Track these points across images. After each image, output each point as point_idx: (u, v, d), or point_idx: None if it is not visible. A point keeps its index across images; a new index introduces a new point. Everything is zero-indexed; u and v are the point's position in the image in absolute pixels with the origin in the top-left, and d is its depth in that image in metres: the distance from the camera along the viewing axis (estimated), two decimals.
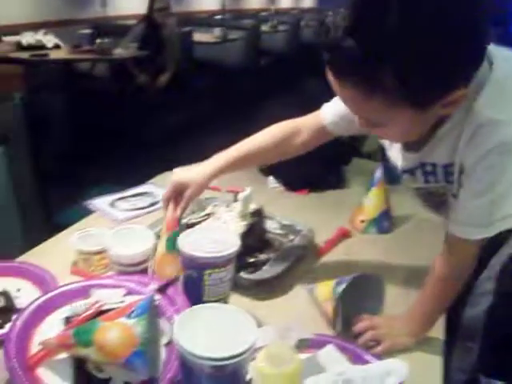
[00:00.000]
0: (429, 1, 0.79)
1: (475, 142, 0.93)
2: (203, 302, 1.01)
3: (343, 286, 1.08)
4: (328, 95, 1.91)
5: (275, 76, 7.38)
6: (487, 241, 1.05)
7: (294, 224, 1.48)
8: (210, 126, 4.36)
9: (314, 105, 1.90)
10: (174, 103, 4.90)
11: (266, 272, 1.26)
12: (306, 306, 1.20)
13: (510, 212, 0.98)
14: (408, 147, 1.11)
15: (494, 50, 0.96)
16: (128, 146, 4.06)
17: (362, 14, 0.82)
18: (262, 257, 1.34)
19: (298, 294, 1.26)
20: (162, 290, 1.03)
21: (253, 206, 1.37)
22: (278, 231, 1.47)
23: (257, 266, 1.30)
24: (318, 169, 1.81)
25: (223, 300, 1.06)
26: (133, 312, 0.86)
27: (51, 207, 2.57)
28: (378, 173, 1.56)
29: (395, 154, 1.19)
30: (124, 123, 4.37)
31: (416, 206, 1.69)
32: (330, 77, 0.90)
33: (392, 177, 1.80)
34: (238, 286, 1.20)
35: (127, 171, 3.02)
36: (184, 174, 1.28)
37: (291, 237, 1.43)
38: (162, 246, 1.17)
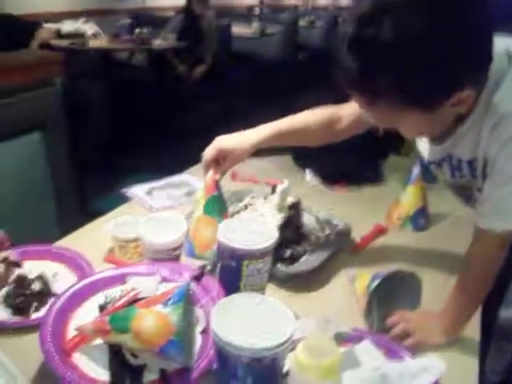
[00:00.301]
0: (422, 11, 0.83)
1: (496, 133, 0.96)
2: (240, 292, 1.01)
3: (377, 281, 1.07)
4: None
5: (312, 71, 7.32)
6: None
7: (330, 218, 1.45)
8: (246, 118, 4.32)
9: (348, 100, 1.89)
10: (210, 94, 4.90)
11: (303, 265, 1.25)
12: (343, 299, 1.18)
13: None
14: (433, 139, 1.14)
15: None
16: (165, 135, 4.08)
17: (357, 30, 0.88)
18: (299, 250, 1.32)
19: (334, 288, 1.24)
20: (196, 278, 1.03)
21: (290, 199, 1.36)
22: (315, 225, 1.44)
23: (293, 259, 1.28)
24: (355, 163, 1.79)
25: (260, 291, 1.05)
26: (169, 300, 0.85)
27: (87, 194, 2.60)
28: (416, 170, 1.53)
29: (423, 145, 1.21)
30: (161, 113, 4.39)
31: (453, 204, 1.66)
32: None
33: (429, 175, 1.77)
34: (274, 278, 1.20)
35: (164, 160, 3.04)
36: (227, 139, 1.28)
37: (328, 231, 1.41)
38: (199, 210, 1.18)
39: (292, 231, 1.34)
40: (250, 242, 0.99)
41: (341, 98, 1.92)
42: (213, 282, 1.03)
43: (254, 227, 1.05)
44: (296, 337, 0.78)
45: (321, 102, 1.89)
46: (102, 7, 6.22)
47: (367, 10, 0.87)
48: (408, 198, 1.54)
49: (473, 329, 1.11)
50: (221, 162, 1.26)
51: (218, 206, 1.20)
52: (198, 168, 1.83)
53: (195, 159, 1.89)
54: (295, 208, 1.37)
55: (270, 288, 1.16)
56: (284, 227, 1.29)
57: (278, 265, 1.24)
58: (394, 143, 2.05)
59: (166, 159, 3.11)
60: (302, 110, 1.94)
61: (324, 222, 1.45)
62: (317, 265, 1.25)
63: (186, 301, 0.87)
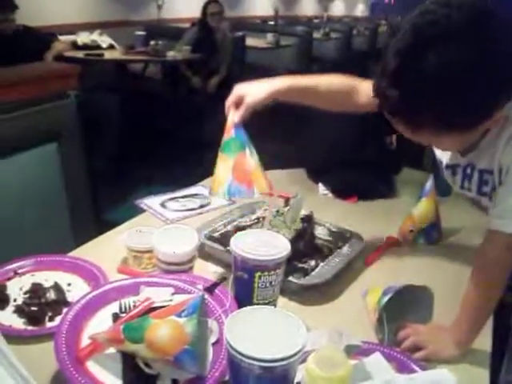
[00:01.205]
0: (463, 42, 0.87)
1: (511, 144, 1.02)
2: (252, 304, 1.02)
3: (388, 297, 1.07)
4: None
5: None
6: None
7: (343, 231, 1.46)
8: (260, 130, 4.34)
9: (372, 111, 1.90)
10: (224, 106, 4.92)
11: (315, 278, 1.25)
12: (355, 312, 1.19)
13: None
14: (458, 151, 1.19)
15: None
16: (179, 147, 4.10)
17: (400, 64, 0.91)
18: (311, 262, 1.33)
19: (346, 301, 1.24)
20: (209, 289, 1.04)
21: (303, 212, 1.37)
22: (328, 238, 1.46)
23: (306, 272, 1.29)
24: (367, 177, 1.79)
25: (272, 303, 1.06)
26: (184, 311, 0.86)
27: (101, 205, 2.62)
28: (429, 183, 1.54)
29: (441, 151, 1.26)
30: (175, 124, 4.41)
31: (465, 218, 1.67)
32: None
33: (443, 189, 1.78)
34: (287, 291, 1.21)
35: (178, 172, 3.06)
36: (246, 86, 1.32)
37: (340, 244, 1.42)
38: (219, 150, 1.24)
39: (304, 244, 1.36)
40: (263, 253, 1.00)
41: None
42: (225, 294, 1.04)
43: (267, 239, 1.06)
44: (307, 348, 0.78)
45: (334, 114, 1.91)
46: (117, 19, 6.30)
47: (410, 43, 0.91)
48: (421, 212, 1.54)
49: (484, 339, 1.10)
50: (239, 105, 1.29)
51: (234, 146, 1.23)
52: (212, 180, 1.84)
53: (209, 171, 1.91)
54: (308, 221, 1.38)
55: (282, 300, 1.17)
56: (296, 240, 1.30)
57: (291, 277, 1.24)
58: (407, 157, 2.06)
59: (179, 171, 3.13)
60: (314, 122, 1.96)
61: (337, 234, 1.46)
62: (329, 277, 1.25)
63: (200, 312, 0.88)
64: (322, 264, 1.31)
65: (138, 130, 4.19)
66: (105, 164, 3.34)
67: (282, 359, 0.73)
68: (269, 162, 1.96)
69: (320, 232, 1.46)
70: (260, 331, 0.80)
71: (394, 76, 0.92)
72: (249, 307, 0.84)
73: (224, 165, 1.21)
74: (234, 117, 1.27)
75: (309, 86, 1.38)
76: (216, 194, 1.21)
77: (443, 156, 1.26)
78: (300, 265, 1.31)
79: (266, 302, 1.05)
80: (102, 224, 1.82)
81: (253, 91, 1.30)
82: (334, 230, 1.47)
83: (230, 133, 1.25)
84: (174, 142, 4.16)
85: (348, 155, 1.78)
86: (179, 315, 0.85)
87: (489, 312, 1.11)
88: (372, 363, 0.97)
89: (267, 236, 1.08)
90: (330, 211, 1.67)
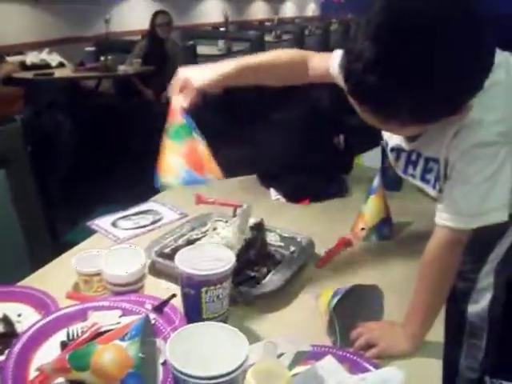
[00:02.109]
0: (435, 37, 0.85)
1: (459, 138, 1.02)
2: (202, 320, 1.02)
3: (337, 298, 1.08)
4: (330, 102, 1.93)
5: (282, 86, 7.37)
6: (484, 238, 1.07)
7: (294, 236, 1.47)
8: (217, 139, 4.33)
9: (318, 113, 1.92)
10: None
11: (267, 286, 1.26)
12: (309, 316, 1.19)
13: (491, 207, 1.01)
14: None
15: None
16: (136, 162, 4.06)
17: (385, 50, 0.87)
18: (264, 270, 1.33)
19: (300, 306, 1.25)
20: (158, 309, 1.03)
21: (252, 220, 1.37)
22: (279, 243, 1.46)
23: (258, 280, 1.29)
24: (318, 179, 1.81)
25: (222, 316, 1.06)
26: (127, 334, 0.85)
27: (60, 227, 2.58)
28: (376, 180, 1.56)
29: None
30: (131, 139, 4.38)
31: (416, 213, 1.69)
32: (351, 99, 0.97)
33: (392, 183, 1.81)
34: (241, 301, 1.21)
35: (136, 188, 3.02)
36: (191, 69, 1.32)
37: (292, 248, 1.43)
38: (165, 136, 1.20)
39: (256, 252, 1.36)
40: (207, 268, 1.00)
41: (309, 110, 1.96)
42: (175, 312, 1.04)
43: (211, 253, 1.06)
44: (250, 362, 0.78)
45: (291, 117, 1.93)
46: (66, 36, 6.22)
47: (392, 30, 0.88)
48: (371, 209, 1.57)
49: (436, 330, 1.12)
50: (184, 90, 1.28)
51: (184, 132, 1.22)
52: (163, 195, 1.84)
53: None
54: (258, 228, 1.38)
55: (237, 310, 1.17)
56: (247, 249, 1.31)
57: (243, 287, 1.25)
58: (356, 155, 2.09)
59: (137, 187, 3.10)
60: (272, 127, 1.97)
61: (288, 239, 1.47)
62: (281, 284, 1.26)
63: (145, 333, 0.87)
64: (273, 271, 1.32)
65: (94, 148, 4.14)
66: (60, 185, 3.29)
67: (223, 375, 0.73)
68: (225, 169, 1.97)
69: (271, 238, 1.46)
70: (202, 348, 0.80)
71: (373, 63, 0.87)
72: (190, 325, 0.84)
73: (173, 151, 1.18)
74: (180, 101, 1.24)
75: (256, 62, 1.38)
76: (166, 183, 1.19)
77: (390, 138, 1.26)
78: (252, 273, 1.31)
79: (216, 315, 1.05)
80: (61, 247, 1.79)
81: (199, 75, 1.29)
82: (285, 235, 1.48)
83: (176, 118, 1.22)
84: (130, 157, 4.12)
85: (297, 159, 1.79)
86: (122, 339, 0.85)
87: (439, 305, 1.13)
88: (324, 367, 0.98)
89: (212, 249, 1.08)
90: (283, 216, 1.68)
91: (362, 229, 1.55)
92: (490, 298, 1.51)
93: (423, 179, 1.18)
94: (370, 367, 1.00)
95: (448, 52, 0.85)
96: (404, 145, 1.20)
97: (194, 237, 1.43)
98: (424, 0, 0.88)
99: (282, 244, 1.46)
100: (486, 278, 1.49)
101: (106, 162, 4.09)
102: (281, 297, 1.26)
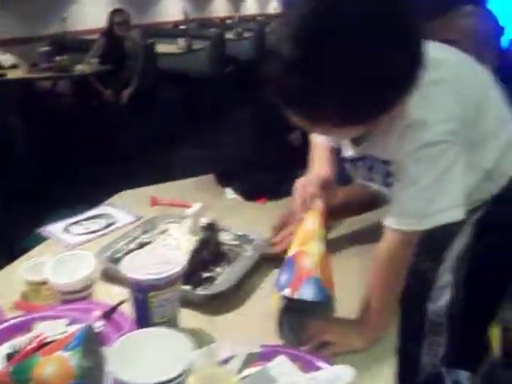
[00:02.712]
0: (358, 34, 0.83)
1: (405, 139, 1.00)
2: (152, 324, 1.00)
3: (287, 299, 1.07)
4: None
5: (242, 83, 7.39)
6: (441, 236, 1.07)
7: (248, 234, 1.47)
8: (179, 138, 4.33)
9: (271, 111, 1.91)
10: (140, 117, 4.86)
11: (220, 285, 1.25)
12: (262, 316, 1.17)
13: (441, 207, 1.01)
14: (352, 141, 1.18)
15: (429, 54, 0.99)
16: (94, 164, 4.02)
17: (305, 50, 0.84)
18: (218, 270, 1.33)
19: (254, 305, 1.24)
20: (106, 315, 1.01)
21: (204, 220, 1.36)
22: (233, 242, 1.46)
23: (212, 280, 1.28)
24: (273, 177, 1.81)
25: (172, 320, 1.05)
26: (69, 344, 0.83)
27: (17, 234, 2.52)
28: None
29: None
30: (89, 141, 4.32)
31: None
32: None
33: (342, 178, 1.83)
34: (195, 302, 1.20)
35: (94, 191, 2.98)
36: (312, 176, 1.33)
37: (246, 247, 1.43)
38: (320, 243, 1.09)
39: (209, 252, 1.35)
40: (155, 272, 0.99)
41: (264, 110, 1.96)
42: (124, 318, 1.02)
43: (160, 257, 1.04)
44: (196, 367, 0.77)
45: (245, 117, 1.93)
46: (21, 35, 6.09)
47: (311, 30, 0.85)
48: None
49: (390, 326, 1.13)
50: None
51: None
52: (117, 198, 1.82)
53: (120, 187, 1.89)
54: (211, 229, 1.37)
55: (190, 312, 1.16)
56: (200, 249, 1.30)
57: (198, 288, 1.24)
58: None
59: (96, 189, 3.06)
60: (234, 124, 1.97)
61: (242, 238, 1.46)
62: (234, 284, 1.25)
63: (88, 342, 0.85)
64: (226, 271, 1.31)
65: (50, 151, 4.07)
66: (15, 191, 3.23)
67: (165, 382, 0.72)
68: (182, 168, 1.95)
69: (225, 238, 1.46)
70: (146, 355, 0.78)
71: (293, 64, 0.85)
72: (134, 332, 0.83)
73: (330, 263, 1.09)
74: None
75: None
76: (333, 296, 1.10)
77: (345, 150, 1.25)
78: (206, 274, 1.31)
79: (166, 319, 1.03)
80: (17, 254, 1.75)
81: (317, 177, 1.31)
82: (239, 233, 1.48)
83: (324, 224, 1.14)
84: (89, 160, 4.07)
85: (252, 157, 1.79)
86: (65, 349, 0.83)
87: (392, 304, 1.13)
88: (276, 367, 0.97)
89: (160, 252, 1.07)
90: (239, 215, 1.67)
91: None
92: (450, 296, 1.52)
93: (385, 183, 1.17)
94: (324, 365, 1.00)
95: (369, 50, 0.83)
96: (356, 151, 1.19)
97: (146, 240, 1.42)
98: None
99: (237, 243, 1.45)
100: (445, 276, 1.50)
101: (62, 165, 4.02)
102: (235, 296, 1.25)
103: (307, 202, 1.22)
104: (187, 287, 1.22)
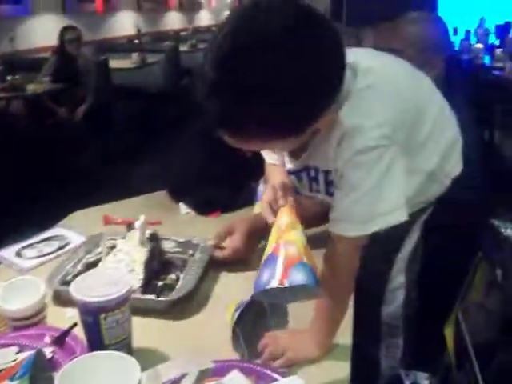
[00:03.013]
0: (276, 51, 0.84)
1: (341, 148, 1.01)
2: (105, 347, 1.00)
3: (239, 311, 1.08)
4: None
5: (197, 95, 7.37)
6: (390, 239, 1.08)
7: (190, 239, 1.50)
8: (135, 154, 4.29)
9: None
10: (96, 134, 4.82)
11: (179, 291, 1.27)
12: (218, 325, 1.18)
13: (383, 210, 1.01)
14: (290, 154, 1.19)
15: (359, 61, 1.02)
16: (50, 183, 3.95)
17: (218, 74, 0.86)
18: (173, 277, 1.35)
19: (210, 313, 1.26)
20: (58, 340, 1.01)
21: (148, 231, 1.38)
22: (177, 249, 1.48)
23: (172, 288, 1.30)
24: (226, 190, 1.81)
25: (125, 340, 1.04)
26: (16, 373, 0.83)
27: None
28: (262, 187, 1.59)
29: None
30: (44, 160, 4.26)
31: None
32: None
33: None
34: (155, 311, 1.22)
35: (49, 211, 2.93)
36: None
37: (191, 251, 1.46)
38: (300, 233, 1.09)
39: (158, 262, 1.38)
40: (104, 294, 0.98)
41: (212, 123, 1.96)
42: (76, 342, 1.02)
43: (109, 278, 1.04)
44: None
45: (193, 131, 1.92)
46: None
47: (226, 52, 0.86)
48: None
49: (344, 333, 1.14)
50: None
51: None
52: (70, 218, 1.80)
53: (76, 207, 1.87)
54: (154, 239, 1.39)
55: (148, 323, 1.18)
56: (151, 260, 1.33)
57: (156, 297, 1.26)
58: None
59: (51, 209, 3.02)
60: (177, 141, 1.96)
61: (184, 244, 1.49)
62: (192, 287, 1.28)
63: (37, 370, 0.85)
64: (182, 275, 1.35)
65: (4, 172, 4.00)
66: None
67: None
68: (138, 185, 1.94)
69: (168, 246, 1.48)
70: (96, 379, 0.78)
71: (212, 87, 0.87)
72: (81, 357, 0.83)
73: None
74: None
75: None
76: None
77: (287, 162, 1.26)
78: (160, 282, 1.33)
79: (119, 340, 1.02)
80: None
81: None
82: (180, 240, 1.50)
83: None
84: (44, 179, 4.00)
85: (204, 171, 1.79)
86: (12, 379, 0.82)
87: (343, 310, 1.13)
88: (230, 382, 0.98)
89: (108, 273, 1.06)
90: (193, 230, 1.67)
91: None
92: (403, 297, 1.54)
93: (328, 193, 1.18)
94: (278, 377, 1.01)
95: (284, 64, 0.84)
96: (295, 164, 1.20)
97: (91, 260, 1.42)
98: (260, 15, 0.86)
99: (180, 249, 1.48)
100: (397, 278, 1.53)
101: (20, 185, 3.95)
102: (192, 303, 1.28)
103: (277, 201, 1.20)
104: (151, 296, 1.25)
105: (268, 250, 1.06)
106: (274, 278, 0.97)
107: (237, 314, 1.08)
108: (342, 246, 1.08)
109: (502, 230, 1.27)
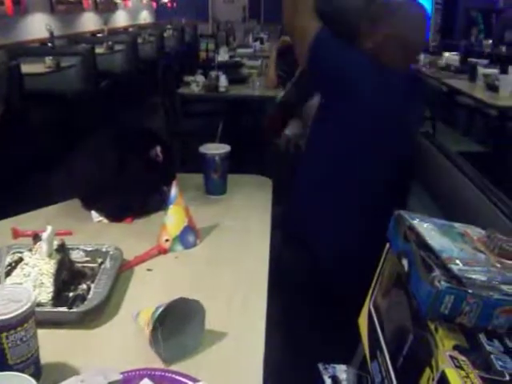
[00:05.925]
0: None
1: None
2: (10, 367, 0.98)
3: (160, 309, 1.08)
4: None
5: (118, 97, 7.27)
6: None
7: (98, 247, 1.49)
8: (51, 163, 4.12)
9: (127, 130, 1.92)
10: (9, 143, 4.64)
11: (91, 301, 1.26)
12: (130, 332, 1.19)
13: None
14: None
15: None
16: None
17: None
18: (84, 287, 1.34)
19: (126, 321, 1.24)
20: None
21: (56, 242, 1.36)
22: (85, 258, 1.47)
23: (83, 298, 1.29)
24: (138, 195, 1.80)
25: (31, 359, 1.02)
26: None
27: None
28: (174, 190, 1.59)
29: None
30: None
31: (219, 216, 1.78)
32: None
33: (217, 188, 1.90)
34: (68, 323, 1.21)
35: None
36: None
37: (100, 260, 1.45)
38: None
39: (67, 273, 1.36)
40: (3, 312, 0.96)
41: (119, 131, 1.93)
42: None
43: (8, 295, 1.01)
44: None
45: (101, 139, 1.89)
46: None
47: None
48: (171, 220, 1.59)
49: (258, 331, 1.19)
50: None
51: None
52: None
53: None
54: (61, 249, 1.37)
55: (59, 336, 1.18)
56: (60, 271, 1.31)
57: (66, 309, 1.24)
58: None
59: None
60: (85, 150, 1.91)
61: (92, 252, 1.48)
62: (104, 296, 1.27)
63: None
64: (92, 285, 1.33)
65: None
66: None
67: None
68: (43, 196, 1.88)
69: (76, 256, 1.46)
70: None
71: None
72: None
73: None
74: None
75: None
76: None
77: None
78: (71, 293, 1.31)
79: (24, 359, 1.00)
80: None
81: None
82: (89, 249, 1.49)
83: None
84: None
85: (113, 178, 1.77)
86: None
87: None
88: None
89: (8, 290, 1.03)
90: (106, 237, 1.65)
91: (167, 240, 1.58)
92: None
93: None
94: (189, 383, 1.02)
95: None
96: None
97: None
98: None
99: (89, 258, 1.47)
100: None
101: None
102: (107, 311, 1.27)
103: None
104: (62, 308, 1.24)
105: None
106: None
107: (159, 310, 1.08)
108: None
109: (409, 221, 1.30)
